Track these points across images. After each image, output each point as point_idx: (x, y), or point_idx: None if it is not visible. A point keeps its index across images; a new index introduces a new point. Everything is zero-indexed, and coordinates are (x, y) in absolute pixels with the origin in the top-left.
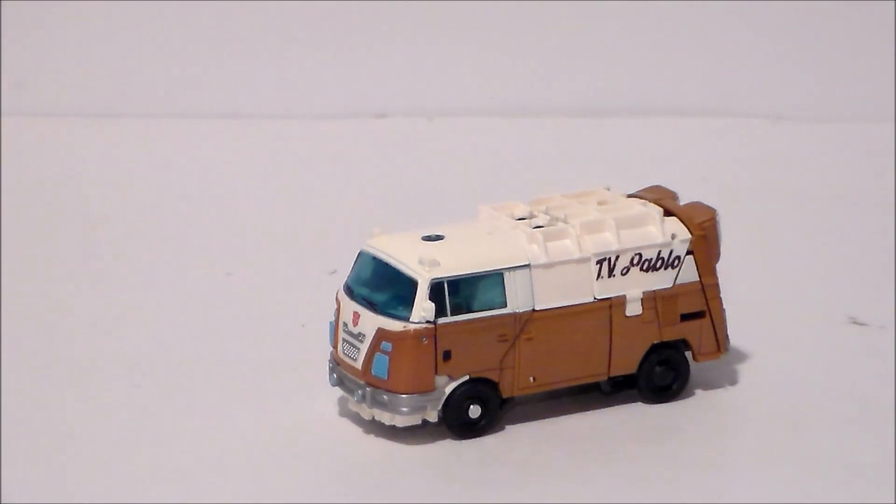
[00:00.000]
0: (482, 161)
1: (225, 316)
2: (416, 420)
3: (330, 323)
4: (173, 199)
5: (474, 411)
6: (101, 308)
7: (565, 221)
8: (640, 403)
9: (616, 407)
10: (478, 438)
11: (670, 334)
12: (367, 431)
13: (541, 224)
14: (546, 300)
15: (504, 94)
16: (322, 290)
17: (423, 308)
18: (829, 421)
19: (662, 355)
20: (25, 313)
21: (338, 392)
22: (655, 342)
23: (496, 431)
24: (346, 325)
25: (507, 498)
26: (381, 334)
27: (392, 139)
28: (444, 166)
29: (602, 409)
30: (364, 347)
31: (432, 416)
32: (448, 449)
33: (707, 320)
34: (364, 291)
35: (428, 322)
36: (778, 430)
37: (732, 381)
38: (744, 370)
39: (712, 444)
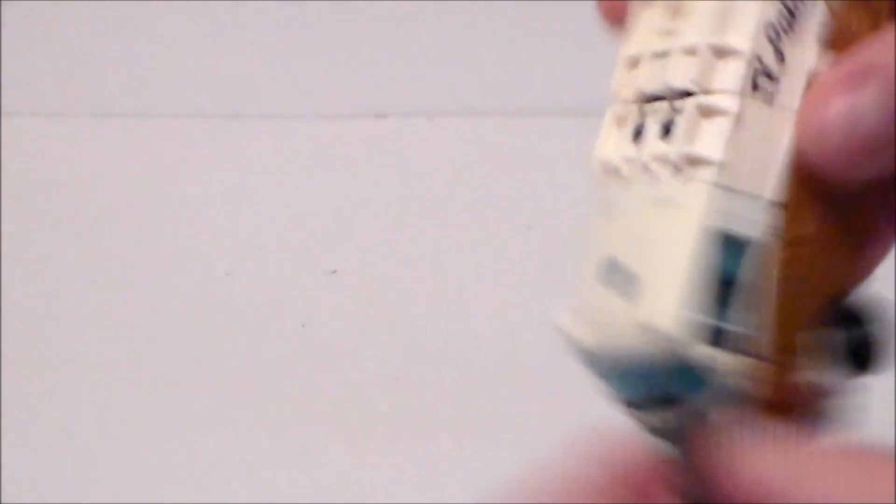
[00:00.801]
0: (483, 161)
1: (224, 316)
2: None
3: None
4: (172, 198)
5: None
6: (100, 308)
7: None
8: None
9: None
10: (477, 434)
11: None
12: (367, 431)
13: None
14: None
15: (504, 94)
16: (322, 291)
17: None
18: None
19: None
20: (25, 313)
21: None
22: None
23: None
24: None
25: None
26: None
27: (392, 139)
28: (444, 167)
29: (600, 404)
30: None
31: None
32: (447, 446)
33: None
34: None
35: None
36: None
37: None
38: None
39: None
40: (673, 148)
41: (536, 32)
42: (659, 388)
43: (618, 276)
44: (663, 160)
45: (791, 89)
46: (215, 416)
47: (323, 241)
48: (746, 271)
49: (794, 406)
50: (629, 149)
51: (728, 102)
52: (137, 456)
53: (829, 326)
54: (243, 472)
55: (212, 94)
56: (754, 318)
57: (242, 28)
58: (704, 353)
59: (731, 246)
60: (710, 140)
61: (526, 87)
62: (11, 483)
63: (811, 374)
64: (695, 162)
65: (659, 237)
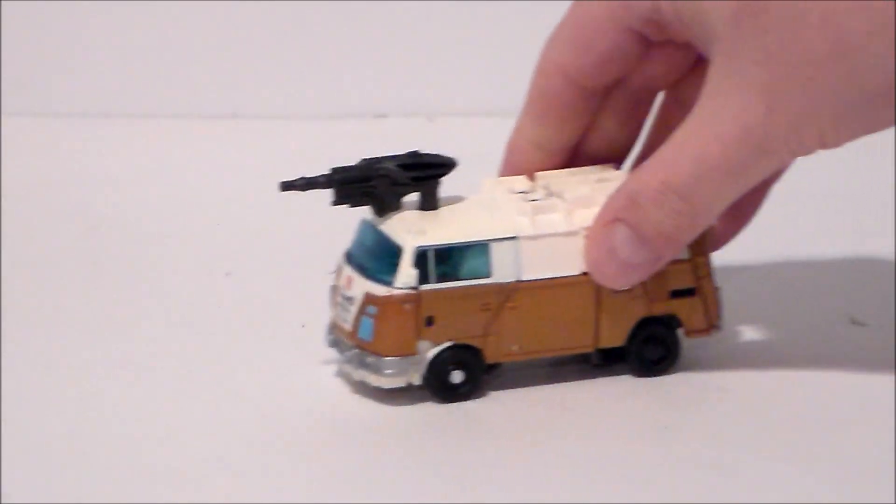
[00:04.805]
0: (483, 161)
1: (224, 316)
2: (400, 383)
3: (332, 286)
4: (172, 198)
5: (456, 376)
6: (99, 308)
7: (560, 196)
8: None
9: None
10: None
11: (659, 310)
12: (367, 432)
13: (536, 198)
14: (533, 271)
15: (504, 94)
16: (322, 290)
17: (406, 274)
18: (829, 421)
19: (652, 330)
20: (25, 313)
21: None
22: (644, 317)
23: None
24: (340, 288)
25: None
26: (368, 298)
27: (392, 140)
28: None
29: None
30: (353, 310)
31: (415, 380)
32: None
33: (698, 298)
34: (359, 257)
35: (411, 288)
36: (777, 429)
37: (732, 380)
38: (743, 370)
39: (710, 444)
40: None
41: (538, 32)
42: None
43: None
44: None
45: None
46: (215, 416)
47: (322, 241)
48: None
49: None
50: None
51: None
52: (137, 456)
53: None
54: (243, 473)
55: (212, 94)
56: None
57: (242, 28)
58: None
59: None
60: None
61: (526, 86)
62: (11, 483)
63: None
64: None
65: None
